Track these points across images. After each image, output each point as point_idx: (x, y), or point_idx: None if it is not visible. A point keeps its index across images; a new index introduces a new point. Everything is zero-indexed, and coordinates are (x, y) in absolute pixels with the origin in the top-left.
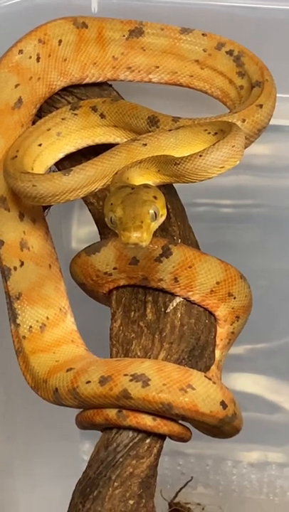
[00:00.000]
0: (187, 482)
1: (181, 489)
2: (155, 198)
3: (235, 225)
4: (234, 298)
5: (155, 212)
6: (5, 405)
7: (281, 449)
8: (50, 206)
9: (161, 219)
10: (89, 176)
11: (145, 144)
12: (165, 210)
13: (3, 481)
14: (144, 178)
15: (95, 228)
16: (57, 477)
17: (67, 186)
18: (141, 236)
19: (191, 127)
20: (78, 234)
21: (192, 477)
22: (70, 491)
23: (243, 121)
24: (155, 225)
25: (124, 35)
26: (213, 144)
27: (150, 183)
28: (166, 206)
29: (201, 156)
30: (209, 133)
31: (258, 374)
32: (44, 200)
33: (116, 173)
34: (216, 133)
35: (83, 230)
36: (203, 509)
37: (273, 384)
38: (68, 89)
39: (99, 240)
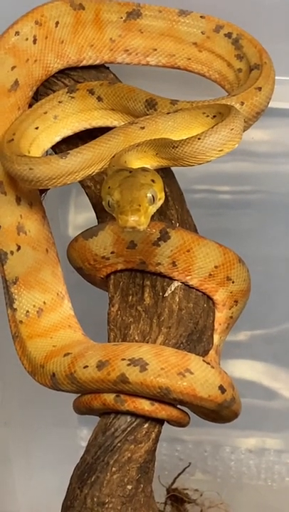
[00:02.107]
0: (185, 468)
1: (179, 475)
2: (153, 181)
3: (234, 211)
4: (233, 282)
5: (153, 196)
6: (1, 392)
7: (279, 435)
8: (46, 190)
9: (159, 202)
10: (86, 159)
11: (143, 127)
12: (163, 194)
13: (0, 467)
14: (142, 161)
15: (92, 213)
16: (54, 463)
17: (64, 169)
18: (138, 219)
19: (190, 110)
20: (76, 219)
21: (190, 463)
22: (68, 477)
23: (242, 104)
24: (153, 209)
25: (121, 17)
26: (212, 127)
27: (148, 166)
28: (164, 190)
29: (199, 139)
30: (208, 116)
31: (256, 360)
32: (41, 183)
33: (113, 157)
34: (214, 116)
35: (81, 215)
36: (201, 495)
37: (271, 370)
38: (65, 72)
39: (96, 224)
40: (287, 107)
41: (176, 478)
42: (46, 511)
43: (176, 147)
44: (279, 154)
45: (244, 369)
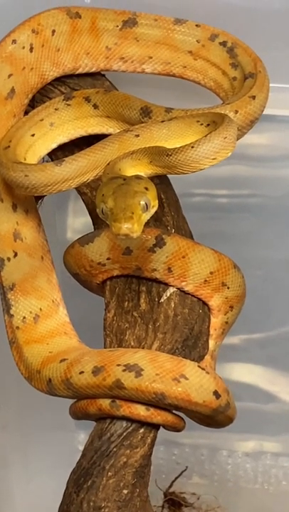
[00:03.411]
0: (182, 472)
1: (176, 479)
2: (146, 189)
3: (230, 215)
4: (228, 288)
5: (146, 204)
6: None
7: (276, 439)
8: (43, 197)
9: (153, 210)
10: (81, 167)
11: (138, 135)
12: (156, 202)
13: None
14: (136, 169)
15: (89, 219)
16: (52, 467)
17: (60, 177)
18: (132, 227)
19: (184, 118)
20: (73, 224)
21: (187, 467)
22: (66, 481)
23: (236, 112)
24: (146, 216)
25: (117, 26)
26: (205, 136)
27: (142, 174)
28: (160, 196)
29: (193, 147)
30: (202, 124)
31: (252, 364)
32: (36, 190)
33: (108, 164)
34: (208, 124)
35: (78, 221)
36: (198, 499)
37: (268, 374)
38: (61, 79)
39: (93, 230)
40: (282, 114)
41: (173, 482)
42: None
43: (170, 155)
44: (275, 158)
45: (241, 373)
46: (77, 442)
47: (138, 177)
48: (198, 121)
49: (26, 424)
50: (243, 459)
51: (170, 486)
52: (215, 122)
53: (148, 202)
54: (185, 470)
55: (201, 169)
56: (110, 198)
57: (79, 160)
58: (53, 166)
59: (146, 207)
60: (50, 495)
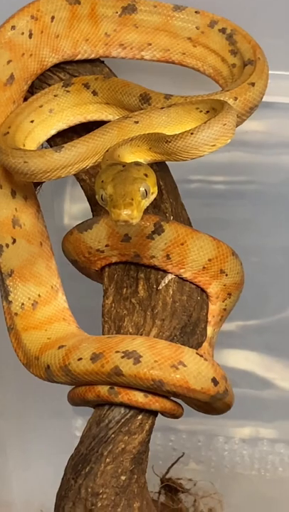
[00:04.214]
0: (179, 458)
1: (172, 465)
2: (146, 175)
3: (227, 201)
4: (226, 275)
5: (146, 190)
6: None
7: (272, 425)
8: (41, 183)
9: (152, 197)
10: (80, 153)
11: (137, 122)
12: (156, 188)
13: None
14: (135, 155)
15: (87, 205)
16: (50, 454)
17: (59, 163)
18: (131, 213)
19: (183, 105)
20: (71, 211)
21: (184, 453)
22: (64, 467)
23: (235, 99)
24: (146, 203)
25: (116, 12)
26: (205, 122)
27: (141, 160)
28: (158, 183)
29: (192, 133)
30: (201, 111)
31: (249, 350)
32: (35, 176)
33: (107, 151)
34: (207, 111)
35: (76, 207)
36: (194, 484)
37: (265, 360)
38: (60, 66)
39: (91, 216)
40: (281, 101)
41: (170, 468)
42: (41, 501)
43: (169, 142)
44: (273, 145)
45: (238, 359)
46: (74, 428)
47: (137, 163)
48: (197, 108)
49: (24, 411)
50: (240, 445)
51: (167, 472)
52: (214, 109)
53: (147, 188)
54: (182, 456)
55: (200, 156)
56: (110, 184)
57: (78, 146)
58: (52, 152)
59: (146, 193)
60: (48, 481)
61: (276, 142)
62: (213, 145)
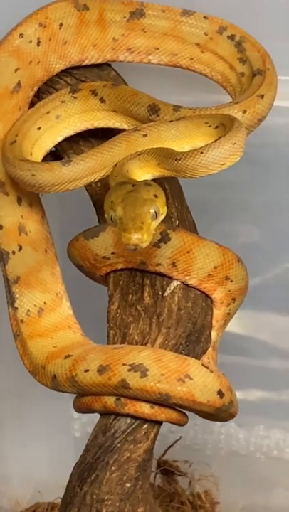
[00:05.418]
0: (176, 441)
1: (169, 448)
2: (156, 196)
3: None
4: (231, 281)
5: (156, 212)
6: None
7: (269, 411)
8: None
9: (162, 217)
10: (89, 167)
11: (145, 135)
12: (165, 208)
13: None
14: (144, 170)
15: (93, 209)
16: (47, 433)
17: (67, 177)
18: (141, 237)
19: (192, 119)
20: (76, 215)
21: (181, 436)
22: (60, 447)
23: (244, 112)
24: (155, 224)
25: (124, 17)
26: (215, 141)
27: (150, 175)
28: (164, 187)
29: (202, 153)
30: (210, 126)
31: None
32: (43, 189)
33: (115, 165)
34: (216, 126)
35: (81, 211)
36: (190, 466)
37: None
38: (67, 70)
39: (97, 220)
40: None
41: (166, 451)
42: (37, 477)
43: (179, 160)
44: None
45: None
46: (72, 410)
47: (147, 183)
48: (206, 123)
49: (22, 391)
50: (236, 429)
51: (163, 455)
52: (224, 125)
53: (157, 210)
54: (179, 439)
55: (210, 174)
56: (119, 205)
57: (87, 160)
58: (60, 166)
59: (156, 215)
60: (44, 460)
61: None
62: (223, 164)
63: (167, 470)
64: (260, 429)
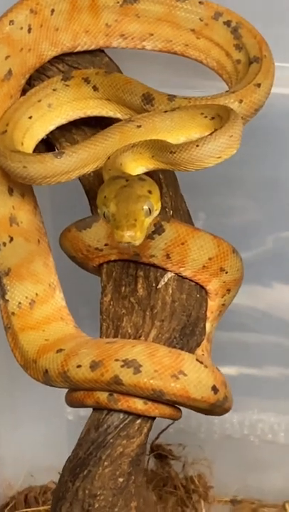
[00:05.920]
0: (169, 425)
1: (163, 431)
2: (150, 192)
3: None
4: (226, 272)
5: (149, 209)
6: None
7: (263, 396)
8: None
9: (155, 213)
10: (81, 159)
11: (139, 126)
12: (159, 204)
13: None
14: (138, 163)
15: (86, 199)
16: (40, 416)
17: (59, 169)
18: (134, 235)
19: (187, 109)
20: (69, 204)
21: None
22: (53, 430)
23: (241, 101)
24: (149, 221)
25: (118, 2)
26: (211, 134)
27: (143, 168)
28: (158, 177)
29: (197, 146)
30: (206, 117)
31: None
32: (34, 181)
33: (109, 158)
34: (212, 117)
35: (74, 200)
36: (183, 449)
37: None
38: (59, 57)
39: (89, 210)
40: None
41: (159, 434)
42: (30, 460)
43: (174, 152)
44: None
45: None
46: (64, 392)
47: (141, 178)
48: (202, 114)
49: (14, 373)
50: (230, 413)
51: (156, 438)
52: (220, 116)
53: (151, 206)
54: (172, 423)
55: (205, 167)
56: (112, 201)
57: (79, 152)
58: (52, 157)
59: (150, 211)
60: (37, 443)
61: None
62: (219, 157)
63: (160, 454)
64: (254, 413)
